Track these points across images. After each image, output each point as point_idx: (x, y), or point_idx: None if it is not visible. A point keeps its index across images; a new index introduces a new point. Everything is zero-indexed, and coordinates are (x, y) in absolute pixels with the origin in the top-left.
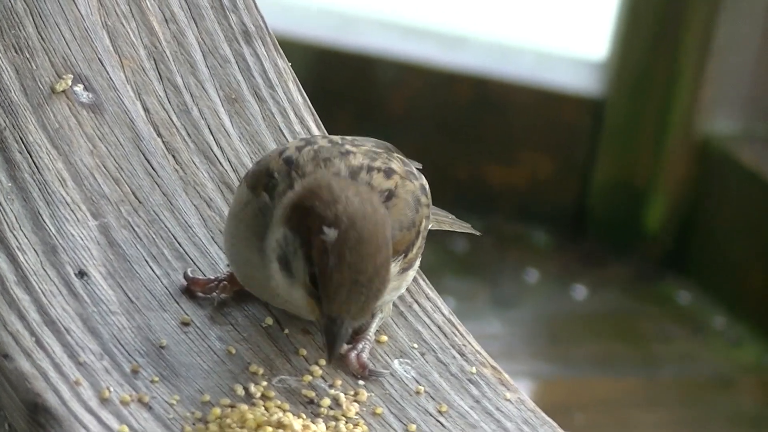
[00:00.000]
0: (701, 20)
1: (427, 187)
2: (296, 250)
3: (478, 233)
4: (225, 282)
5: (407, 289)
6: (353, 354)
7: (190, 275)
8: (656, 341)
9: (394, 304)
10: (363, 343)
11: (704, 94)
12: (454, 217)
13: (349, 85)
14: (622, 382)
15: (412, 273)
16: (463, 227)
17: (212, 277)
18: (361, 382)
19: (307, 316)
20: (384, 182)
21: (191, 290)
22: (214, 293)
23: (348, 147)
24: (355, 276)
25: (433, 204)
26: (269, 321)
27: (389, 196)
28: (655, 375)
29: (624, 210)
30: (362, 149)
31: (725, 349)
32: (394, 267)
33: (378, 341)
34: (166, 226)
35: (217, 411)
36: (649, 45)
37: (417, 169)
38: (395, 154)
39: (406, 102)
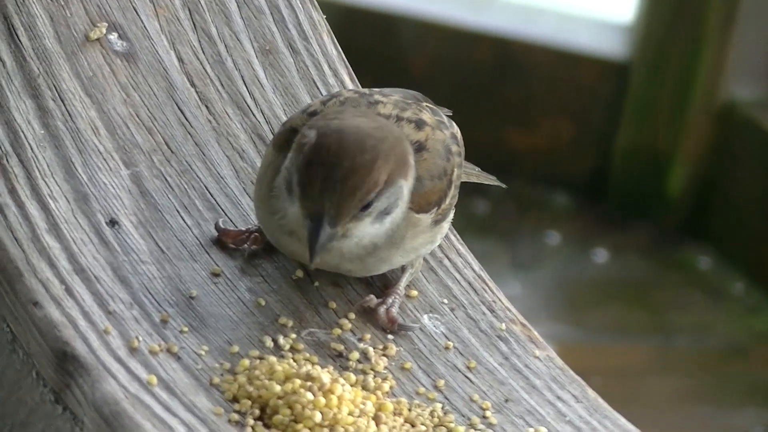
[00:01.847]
0: None
1: (459, 135)
2: (291, 168)
3: (503, 185)
4: (256, 234)
5: (438, 244)
6: (383, 308)
7: (222, 226)
8: (674, 308)
9: (425, 259)
10: (393, 297)
11: (728, 60)
12: (479, 169)
13: (371, 44)
14: (639, 348)
15: (446, 226)
16: (489, 179)
17: (243, 229)
18: (390, 337)
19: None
20: (414, 133)
21: (222, 241)
22: (245, 245)
23: (377, 97)
24: (328, 172)
25: None
26: (299, 273)
27: (419, 148)
28: (671, 342)
29: (645, 174)
30: (392, 99)
31: (742, 317)
32: (427, 218)
33: (408, 296)
34: (198, 177)
35: (246, 362)
36: (675, 9)
37: (447, 116)
38: (425, 104)
39: (427, 62)
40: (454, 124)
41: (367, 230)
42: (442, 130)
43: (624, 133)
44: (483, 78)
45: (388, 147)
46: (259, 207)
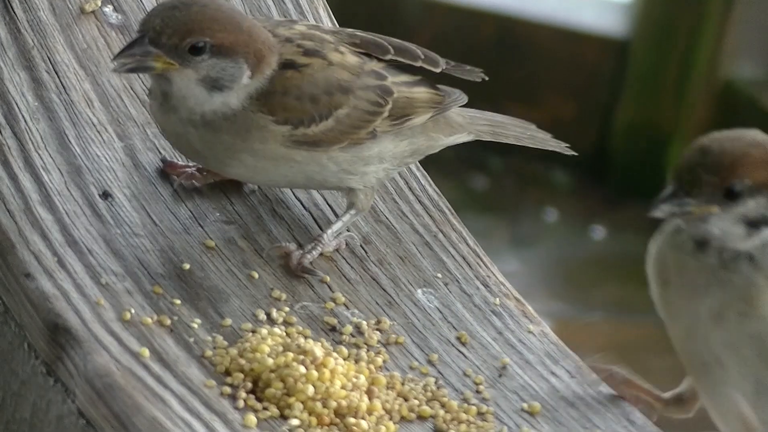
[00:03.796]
0: None
1: (396, 92)
2: None
3: (573, 152)
4: (195, 171)
5: (432, 217)
6: (297, 253)
7: (168, 159)
8: None
9: (418, 233)
10: (312, 244)
11: (729, 39)
12: (551, 136)
13: (373, 23)
14: (636, 325)
15: (342, 155)
16: (560, 146)
17: (190, 164)
18: (385, 312)
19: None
20: (293, 55)
21: (166, 172)
22: (179, 178)
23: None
24: (170, 4)
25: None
26: (292, 247)
27: (287, 65)
28: None
29: (645, 153)
30: (313, 31)
31: None
32: (278, 129)
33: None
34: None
35: (237, 335)
36: None
37: (421, 69)
38: (380, 56)
39: (430, 39)
40: (408, 89)
41: (190, 87)
42: (363, 74)
43: (625, 110)
44: (485, 56)
45: (246, 26)
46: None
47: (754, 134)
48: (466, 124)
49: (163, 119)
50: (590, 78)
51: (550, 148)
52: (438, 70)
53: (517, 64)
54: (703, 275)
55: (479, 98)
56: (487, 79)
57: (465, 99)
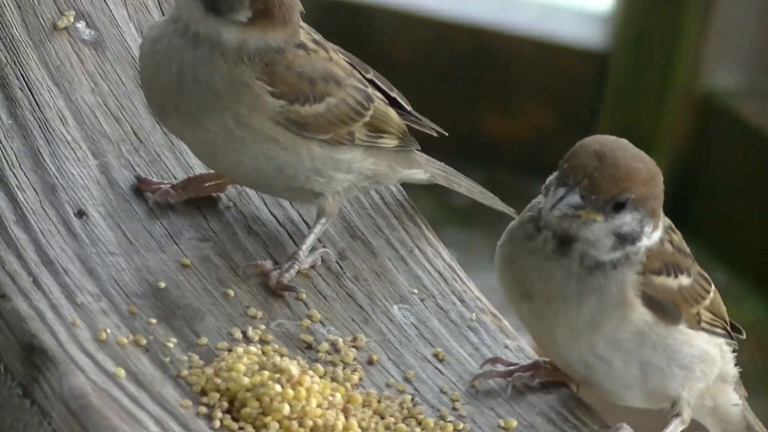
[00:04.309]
0: None
1: (376, 101)
2: None
3: (510, 211)
4: (170, 188)
5: (408, 232)
6: (276, 273)
7: (142, 176)
8: None
9: (394, 248)
10: (290, 262)
11: (707, 49)
12: (485, 191)
13: (350, 36)
14: None
15: (318, 150)
16: (493, 202)
17: (164, 181)
18: (362, 329)
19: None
20: (306, 39)
21: (141, 189)
22: (152, 194)
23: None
24: None
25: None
26: (269, 265)
27: (301, 46)
28: None
29: None
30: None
31: (726, 306)
32: (272, 102)
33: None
34: (167, 167)
35: (213, 354)
36: None
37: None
38: (363, 72)
39: (407, 52)
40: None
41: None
42: (351, 77)
43: (604, 121)
44: (463, 68)
45: None
46: None
47: (629, 145)
48: (424, 163)
49: (162, 34)
50: (570, 89)
51: (498, 208)
52: (408, 107)
53: (496, 76)
54: (571, 283)
55: (458, 111)
56: (446, 135)
57: (418, 147)
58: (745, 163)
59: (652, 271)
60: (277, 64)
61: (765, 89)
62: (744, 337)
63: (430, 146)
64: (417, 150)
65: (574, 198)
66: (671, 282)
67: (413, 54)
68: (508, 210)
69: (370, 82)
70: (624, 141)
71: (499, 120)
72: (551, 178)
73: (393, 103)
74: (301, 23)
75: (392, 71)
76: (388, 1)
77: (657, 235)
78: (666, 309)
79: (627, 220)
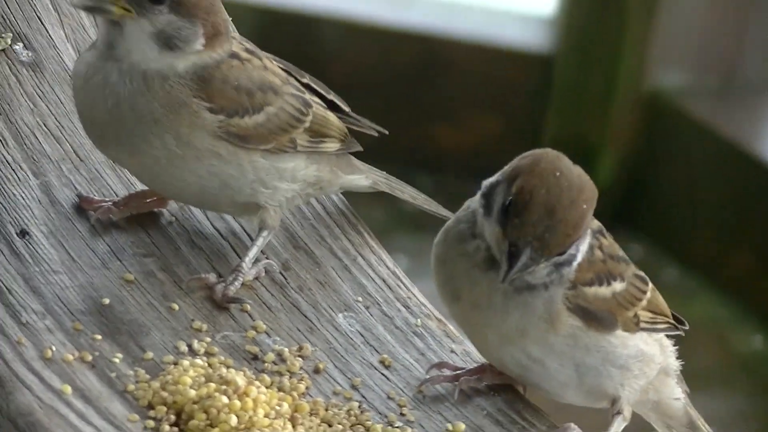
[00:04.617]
0: None
1: (314, 106)
2: None
3: (447, 216)
4: (111, 206)
5: (351, 241)
6: (220, 286)
7: (84, 194)
8: None
9: (338, 257)
10: (234, 275)
11: (652, 49)
12: (425, 196)
13: (295, 47)
14: None
15: (261, 161)
16: (438, 209)
17: (106, 199)
18: (307, 338)
19: None
20: (239, 50)
21: (83, 208)
22: (94, 212)
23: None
24: None
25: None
26: (212, 278)
27: (234, 56)
28: None
29: None
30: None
31: (677, 303)
32: (209, 117)
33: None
34: (108, 184)
35: (159, 368)
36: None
37: (330, 101)
38: (299, 78)
39: (353, 62)
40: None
41: (140, 41)
42: (288, 85)
43: (551, 125)
44: (409, 76)
45: None
46: None
47: (572, 172)
48: (366, 169)
49: (94, 70)
50: (516, 94)
51: (442, 214)
52: (347, 109)
53: (441, 84)
54: (497, 296)
55: (405, 120)
56: (387, 133)
57: (360, 148)
58: (692, 161)
59: (583, 283)
60: (214, 79)
61: (710, 87)
62: (687, 327)
63: (378, 156)
64: (359, 150)
65: (524, 260)
66: (604, 291)
67: (360, 64)
68: (450, 215)
69: (307, 86)
70: (566, 166)
71: (446, 127)
72: (490, 182)
73: (331, 106)
74: (233, 33)
75: (339, 81)
76: (333, 11)
77: (585, 246)
78: (600, 318)
79: (566, 255)
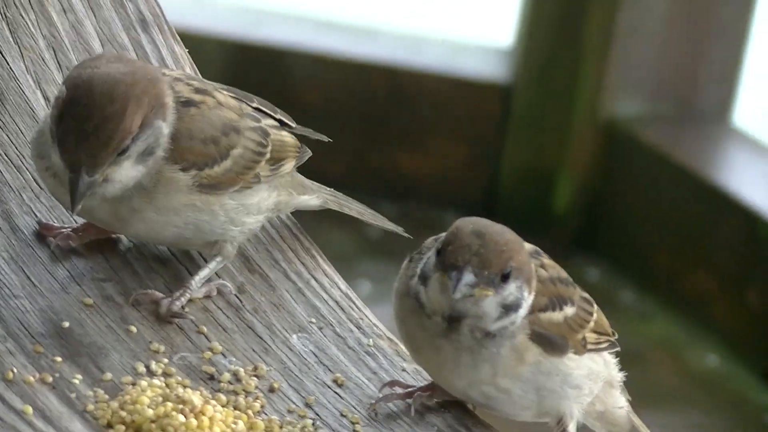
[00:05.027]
0: (603, 6)
1: (272, 134)
2: (50, 119)
3: (403, 233)
4: (71, 232)
5: (304, 264)
6: (166, 301)
7: (43, 221)
8: None
9: (292, 281)
10: (180, 291)
11: (608, 78)
12: (376, 213)
13: (263, 79)
14: None
15: (230, 202)
16: (385, 224)
17: (65, 225)
18: (262, 358)
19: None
20: (188, 92)
21: (42, 234)
22: (58, 238)
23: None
24: (81, 125)
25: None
26: (159, 294)
27: (188, 103)
28: None
29: (533, 193)
30: (196, 78)
31: (636, 324)
32: (183, 176)
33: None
34: (66, 212)
35: (118, 388)
36: (554, 31)
37: (279, 120)
38: (255, 105)
39: (320, 94)
40: (278, 132)
41: (128, 173)
42: (244, 116)
43: (511, 153)
44: (375, 106)
45: (141, 90)
46: (32, 148)
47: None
48: (316, 188)
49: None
50: (477, 123)
51: (388, 228)
52: (293, 125)
53: (406, 114)
54: (464, 356)
55: (371, 149)
56: (331, 140)
57: (310, 153)
58: (648, 186)
59: (539, 309)
60: (181, 138)
61: (664, 115)
62: (616, 337)
63: (344, 185)
64: (310, 155)
65: (469, 277)
66: (557, 316)
67: (326, 95)
68: (397, 229)
69: (258, 110)
70: (484, 219)
71: (410, 156)
72: (423, 267)
73: (280, 123)
74: (171, 72)
75: (306, 112)
76: (301, 44)
77: (531, 295)
78: (554, 342)
79: (512, 289)
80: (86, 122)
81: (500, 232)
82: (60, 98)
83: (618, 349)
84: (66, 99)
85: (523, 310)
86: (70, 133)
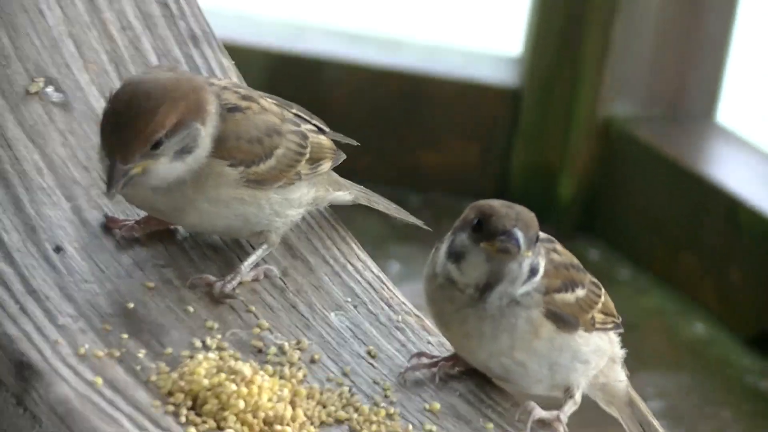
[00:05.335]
0: (601, 19)
1: (312, 139)
2: None
3: (424, 226)
4: (135, 224)
5: (340, 250)
6: (220, 284)
7: (109, 215)
8: None
9: (329, 264)
10: (232, 275)
11: (605, 84)
12: (398, 207)
13: (300, 86)
14: None
15: (275, 196)
16: (407, 217)
17: (129, 218)
18: (304, 333)
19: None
20: (234, 99)
21: (109, 227)
22: (119, 230)
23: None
24: (117, 118)
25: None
26: (212, 278)
27: (233, 109)
28: None
29: (540, 185)
30: (243, 86)
31: (631, 298)
32: (231, 171)
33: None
34: (129, 206)
35: (177, 361)
36: (557, 42)
37: (317, 126)
38: (296, 111)
39: (350, 98)
40: (316, 135)
41: (165, 168)
42: (285, 121)
43: (519, 153)
44: (397, 109)
45: (179, 94)
46: (99, 150)
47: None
48: (349, 185)
49: (131, 192)
50: (489, 125)
51: (410, 221)
52: (327, 129)
53: (427, 116)
54: (486, 324)
55: (395, 148)
56: (359, 144)
57: (344, 157)
58: (641, 179)
59: (554, 290)
60: (227, 139)
61: (655, 115)
62: (620, 320)
63: (372, 178)
64: (344, 158)
65: (521, 236)
66: (570, 297)
67: (355, 99)
68: (418, 222)
69: (297, 116)
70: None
71: (430, 153)
72: (449, 248)
73: (317, 128)
74: (219, 81)
75: (339, 114)
76: (333, 54)
77: (543, 259)
78: (567, 320)
79: (537, 252)
80: (123, 115)
81: (521, 206)
82: (111, 95)
83: (621, 330)
84: (114, 95)
85: (539, 276)
86: (109, 123)
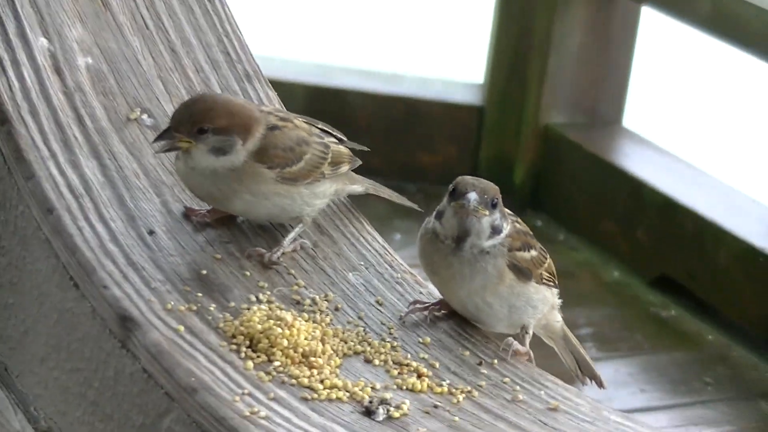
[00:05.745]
0: (540, 53)
1: (334, 149)
2: None
3: (418, 209)
4: (207, 213)
5: (355, 227)
6: (267, 254)
7: (188, 205)
8: None
9: (347, 237)
10: (276, 247)
11: (544, 99)
12: (397, 195)
13: (329, 110)
14: None
15: (304, 192)
16: (402, 201)
17: (202, 208)
18: (330, 289)
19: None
20: (275, 120)
21: (188, 215)
22: (196, 218)
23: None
24: (186, 104)
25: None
26: (263, 250)
27: (273, 128)
28: None
29: (500, 174)
30: (283, 110)
31: (567, 253)
32: (269, 173)
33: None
34: (202, 203)
35: (238, 312)
36: (509, 71)
37: (337, 137)
38: (321, 127)
39: (365, 117)
40: (340, 145)
41: (203, 156)
42: (312, 135)
43: (485, 150)
44: (398, 123)
45: (235, 111)
46: None
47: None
48: (360, 180)
49: (185, 175)
50: (464, 133)
51: (408, 205)
52: (345, 139)
53: (420, 127)
54: (465, 268)
55: (399, 151)
56: (369, 150)
57: (360, 162)
58: (572, 167)
59: (515, 249)
60: (268, 149)
61: (579, 122)
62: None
63: (381, 173)
64: (359, 164)
65: (475, 196)
66: (526, 255)
67: (369, 117)
68: (413, 206)
69: (323, 130)
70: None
71: (425, 154)
72: (437, 211)
73: (338, 139)
74: (266, 107)
75: (360, 127)
76: (353, 86)
77: (508, 225)
78: (524, 272)
79: (497, 215)
80: (195, 103)
81: (489, 182)
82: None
83: (557, 291)
84: (199, 94)
85: (503, 234)
86: (183, 105)
